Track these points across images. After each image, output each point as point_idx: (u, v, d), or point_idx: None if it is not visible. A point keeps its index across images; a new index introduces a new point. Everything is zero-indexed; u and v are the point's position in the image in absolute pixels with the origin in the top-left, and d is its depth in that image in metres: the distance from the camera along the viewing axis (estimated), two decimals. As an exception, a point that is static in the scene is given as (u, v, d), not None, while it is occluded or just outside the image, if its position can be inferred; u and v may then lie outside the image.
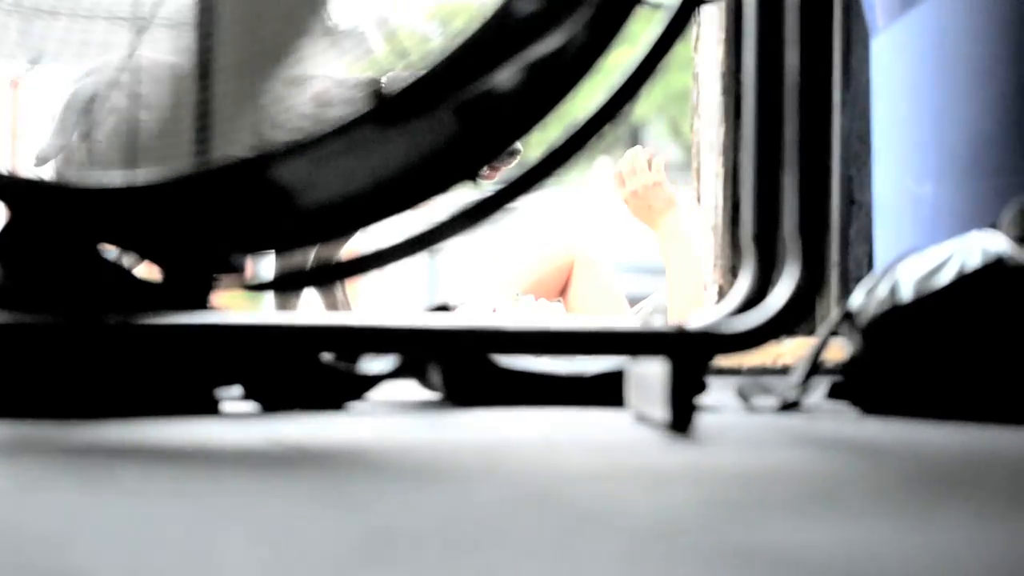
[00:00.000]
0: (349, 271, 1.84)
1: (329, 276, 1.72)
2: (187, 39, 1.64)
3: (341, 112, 1.54)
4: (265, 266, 1.61)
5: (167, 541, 0.84)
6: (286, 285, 1.70)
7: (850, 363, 1.88)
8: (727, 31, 3.06)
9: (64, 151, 3.34)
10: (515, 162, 3.31)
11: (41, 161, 3.31)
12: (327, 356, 1.96)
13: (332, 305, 3.66)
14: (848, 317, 1.88)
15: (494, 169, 3.28)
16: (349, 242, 3.58)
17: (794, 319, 1.60)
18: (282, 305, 3.59)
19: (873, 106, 2.63)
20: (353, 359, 1.98)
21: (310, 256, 3.42)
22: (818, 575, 0.74)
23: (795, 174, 1.60)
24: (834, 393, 1.90)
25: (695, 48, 3.21)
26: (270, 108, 1.62)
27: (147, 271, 1.62)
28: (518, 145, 3.34)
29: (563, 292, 3.60)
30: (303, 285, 1.62)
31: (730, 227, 3.06)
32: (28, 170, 3.29)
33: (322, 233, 1.82)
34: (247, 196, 1.59)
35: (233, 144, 1.62)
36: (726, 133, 3.07)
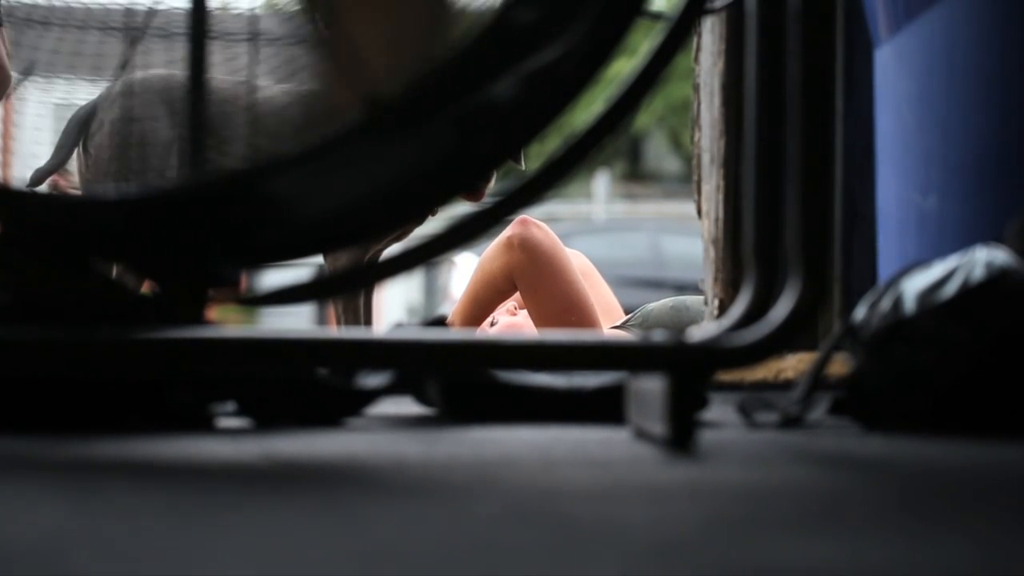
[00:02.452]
0: (346, 285, 1.83)
1: (327, 289, 1.70)
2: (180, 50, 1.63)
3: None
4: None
5: (160, 558, 0.83)
6: (281, 299, 1.68)
7: (853, 378, 1.86)
8: (728, 42, 3.05)
9: (63, 167, 3.34)
10: (490, 186, 3.30)
11: (37, 181, 3.32)
12: (323, 371, 1.94)
13: (351, 314, 3.64)
14: (851, 331, 1.87)
15: (471, 193, 3.25)
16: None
17: (796, 333, 1.59)
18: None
19: (876, 117, 2.62)
20: (349, 374, 1.97)
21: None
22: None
23: (797, 186, 1.59)
24: (837, 409, 1.89)
25: (696, 59, 3.19)
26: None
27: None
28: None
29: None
30: (300, 299, 1.60)
31: (731, 240, 3.05)
32: (20, 183, 3.30)
33: (319, 246, 1.80)
34: (240, 209, 1.58)
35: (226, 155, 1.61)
36: (727, 145, 3.06)
